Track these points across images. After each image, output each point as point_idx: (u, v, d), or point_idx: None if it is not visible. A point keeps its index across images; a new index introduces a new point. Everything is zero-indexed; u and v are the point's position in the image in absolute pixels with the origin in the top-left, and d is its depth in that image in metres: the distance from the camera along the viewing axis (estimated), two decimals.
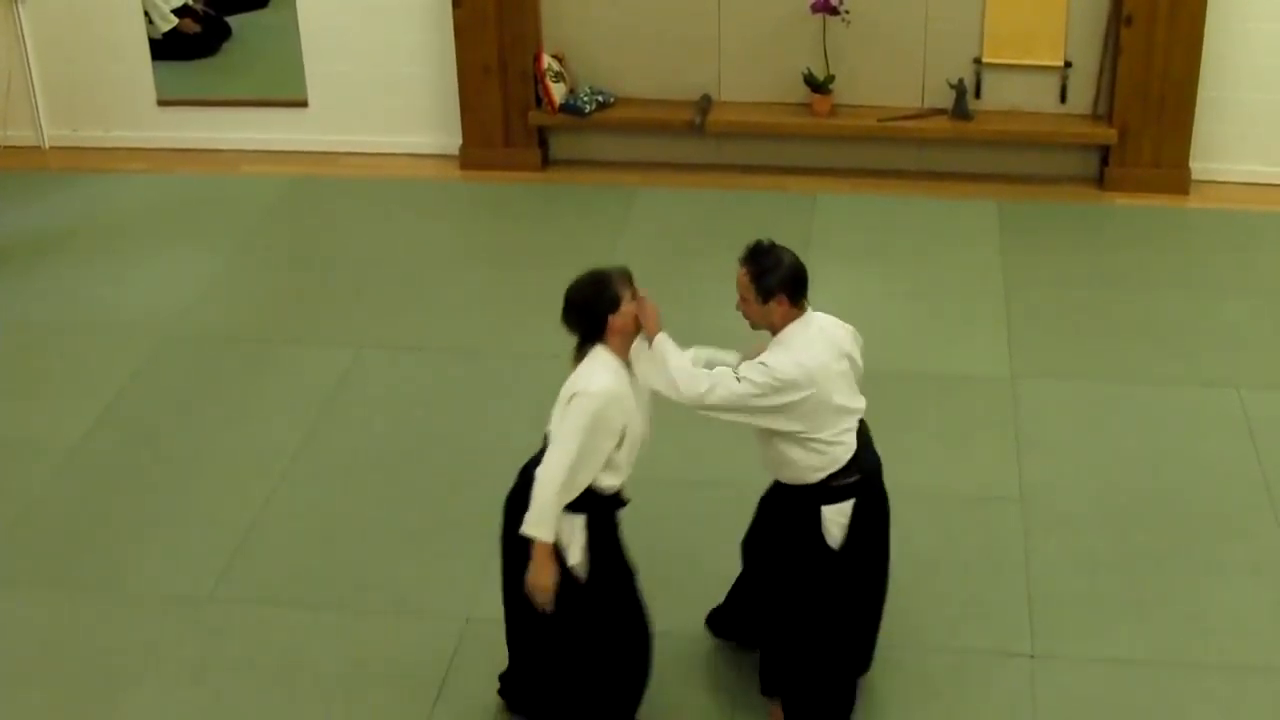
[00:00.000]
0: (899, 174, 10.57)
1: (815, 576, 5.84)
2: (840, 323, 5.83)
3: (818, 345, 5.63)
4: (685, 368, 5.59)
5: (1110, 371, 8.37)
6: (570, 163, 10.88)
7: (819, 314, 5.78)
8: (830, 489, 5.73)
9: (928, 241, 9.74)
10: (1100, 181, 10.43)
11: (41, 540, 7.30)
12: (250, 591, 6.93)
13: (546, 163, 10.87)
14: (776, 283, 5.60)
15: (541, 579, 5.58)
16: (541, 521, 5.53)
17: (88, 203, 10.55)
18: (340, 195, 10.56)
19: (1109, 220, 10.04)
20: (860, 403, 5.77)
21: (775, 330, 5.69)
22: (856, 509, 5.75)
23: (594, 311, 5.64)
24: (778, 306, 5.64)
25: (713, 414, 5.64)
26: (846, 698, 6.06)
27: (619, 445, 5.60)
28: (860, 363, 5.84)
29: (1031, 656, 6.44)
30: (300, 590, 6.93)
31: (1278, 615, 6.67)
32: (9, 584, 7.02)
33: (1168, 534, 7.16)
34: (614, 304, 5.63)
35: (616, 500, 5.78)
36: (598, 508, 5.68)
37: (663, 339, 5.64)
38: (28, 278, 9.56)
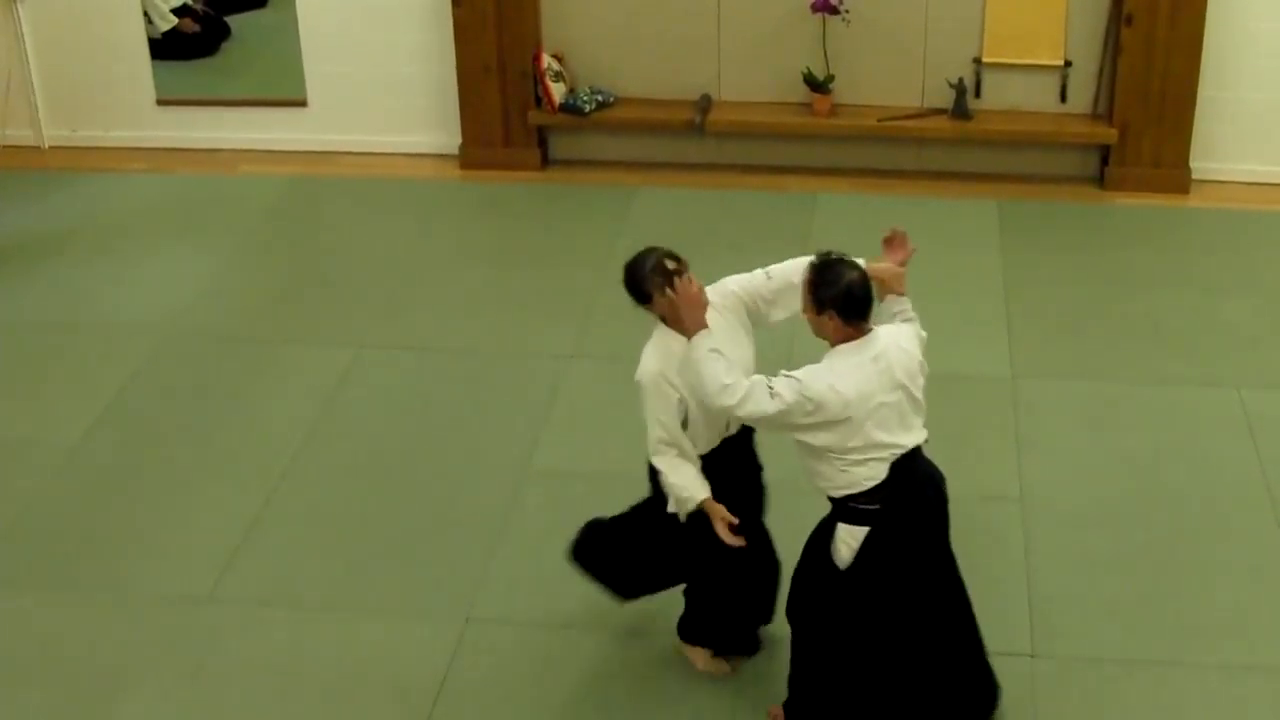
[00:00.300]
0: (899, 174, 10.57)
1: (817, 588, 5.77)
2: (908, 347, 5.66)
3: (864, 373, 5.48)
4: (717, 375, 5.48)
5: (1110, 371, 8.37)
6: (570, 162, 10.88)
7: (888, 332, 5.65)
8: (848, 508, 5.61)
9: (928, 241, 9.66)
10: (1100, 181, 10.43)
11: (41, 540, 7.30)
12: (250, 592, 6.93)
13: (546, 162, 10.86)
14: (828, 298, 5.49)
15: (719, 531, 5.74)
16: (678, 500, 5.81)
17: (87, 202, 10.55)
18: (340, 195, 10.56)
19: (1109, 220, 10.04)
20: (907, 439, 5.57)
21: (831, 343, 5.58)
22: (870, 539, 5.59)
23: (635, 301, 5.87)
24: (829, 321, 5.52)
25: (768, 421, 5.57)
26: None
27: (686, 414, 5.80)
28: (918, 395, 5.64)
29: (1031, 656, 6.43)
30: (300, 591, 6.93)
31: (1278, 615, 6.67)
32: (8, 584, 7.01)
33: (1168, 533, 7.16)
34: (645, 299, 5.79)
35: (724, 448, 5.97)
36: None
37: (698, 341, 5.55)
38: (27, 278, 9.56)
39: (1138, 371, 8.36)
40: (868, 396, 5.45)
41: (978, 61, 10.33)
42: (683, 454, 5.79)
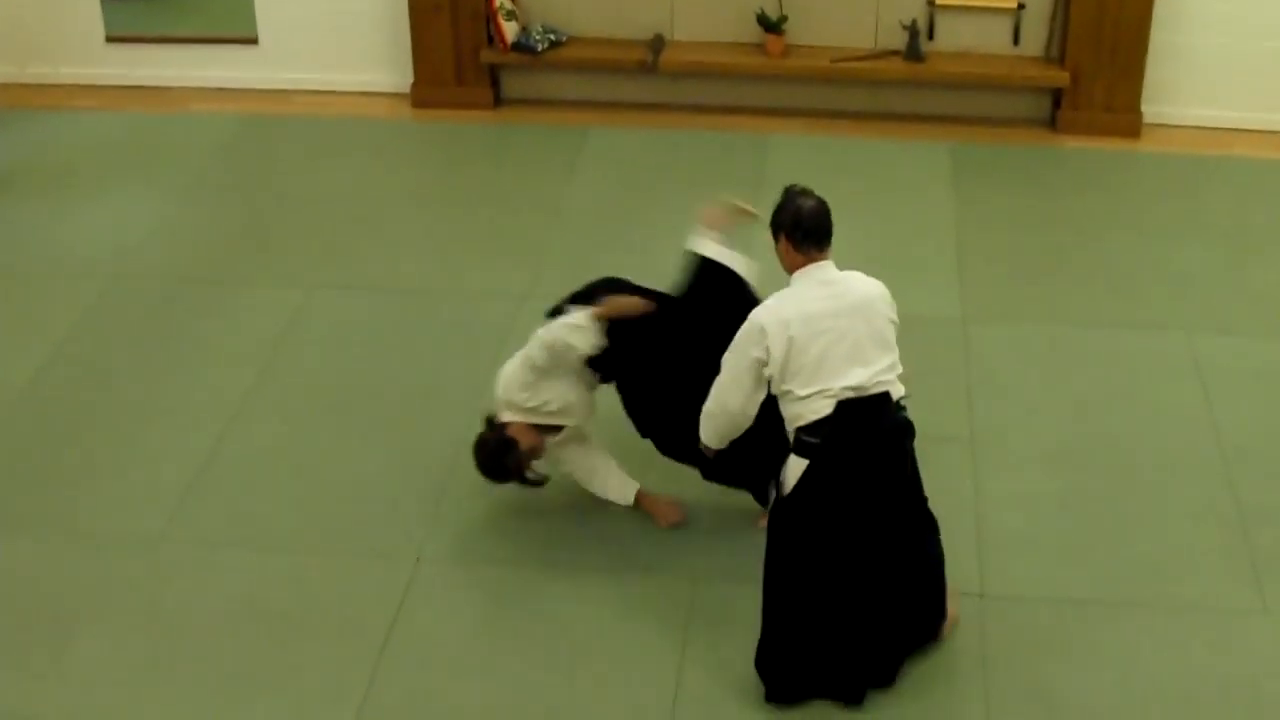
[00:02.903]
0: (851, 115, 10.57)
1: (772, 516, 5.91)
2: (865, 280, 5.82)
3: (812, 293, 5.68)
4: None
5: (1060, 314, 8.41)
6: (522, 101, 10.84)
7: (850, 275, 5.79)
8: (798, 439, 5.70)
9: (880, 183, 9.75)
10: (1052, 124, 10.46)
11: None
12: (201, 532, 6.92)
13: (498, 101, 10.82)
14: (779, 223, 5.76)
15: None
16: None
17: (36, 141, 10.47)
18: (291, 134, 10.50)
19: (1061, 163, 10.07)
20: (858, 376, 5.63)
21: (788, 273, 5.80)
22: (809, 472, 5.68)
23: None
24: (783, 247, 5.77)
25: (730, 407, 5.86)
26: (785, 659, 5.93)
27: None
28: (883, 321, 5.77)
29: (980, 596, 6.48)
30: (251, 531, 6.92)
31: (1223, 556, 6.74)
32: None
33: (1116, 476, 7.21)
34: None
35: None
36: None
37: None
38: None
39: (1088, 315, 8.41)
40: (812, 317, 5.62)
41: (931, 3, 10.32)
42: None
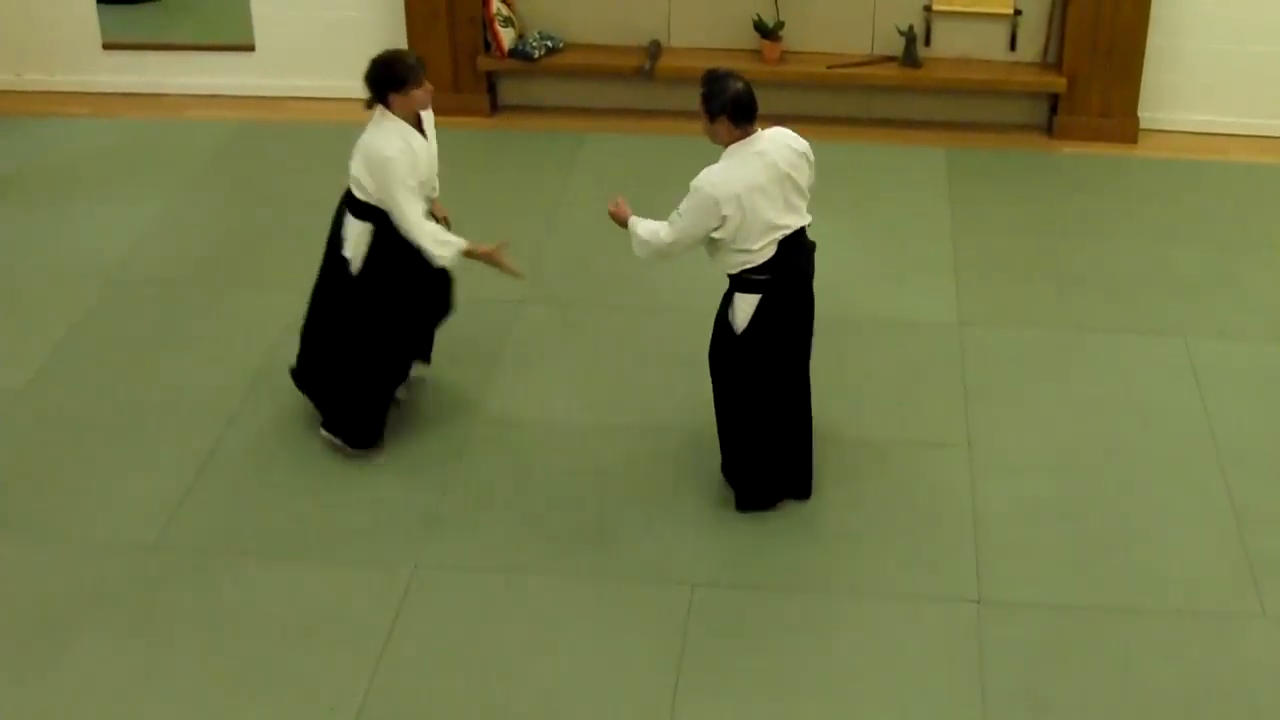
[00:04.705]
0: (848, 121, 10.57)
1: (722, 355, 6.76)
2: (789, 142, 6.58)
3: (749, 166, 6.45)
4: (648, 226, 6.80)
5: (1057, 319, 8.41)
6: (519, 108, 10.84)
7: (770, 131, 6.57)
8: (743, 280, 6.59)
9: (876, 189, 9.74)
10: (1049, 130, 10.46)
11: None
12: (197, 539, 6.91)
13: (495, 108, 10.82)
14: (719, 106, 6.45)
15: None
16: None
17: (32, 147, 10.46)
18: (287, 140, 10.49)
19: (1057, 168, 10.07)
20: (793, 220, 6.56)
21: (724, 147, 6.54)
22: (762, 303, 6.57)
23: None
24: (721, 126, 6.49)
25: (674, 254, 6.72)
26: (756, 476, 6.94)
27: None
28: (805, 178, 6.58)
29: (977, 602, 6.47)
30: (247, 538, 6.91)
31: (1221, 561, 6.73)
32: None
33: (1113, 481, 7.21)
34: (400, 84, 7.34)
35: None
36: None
37: (633, 221, 6.86)
38: None
39: (1084, 319, 8.40)
40: (753, 186, 6.43)
41: (928, 9, 10.33)
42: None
